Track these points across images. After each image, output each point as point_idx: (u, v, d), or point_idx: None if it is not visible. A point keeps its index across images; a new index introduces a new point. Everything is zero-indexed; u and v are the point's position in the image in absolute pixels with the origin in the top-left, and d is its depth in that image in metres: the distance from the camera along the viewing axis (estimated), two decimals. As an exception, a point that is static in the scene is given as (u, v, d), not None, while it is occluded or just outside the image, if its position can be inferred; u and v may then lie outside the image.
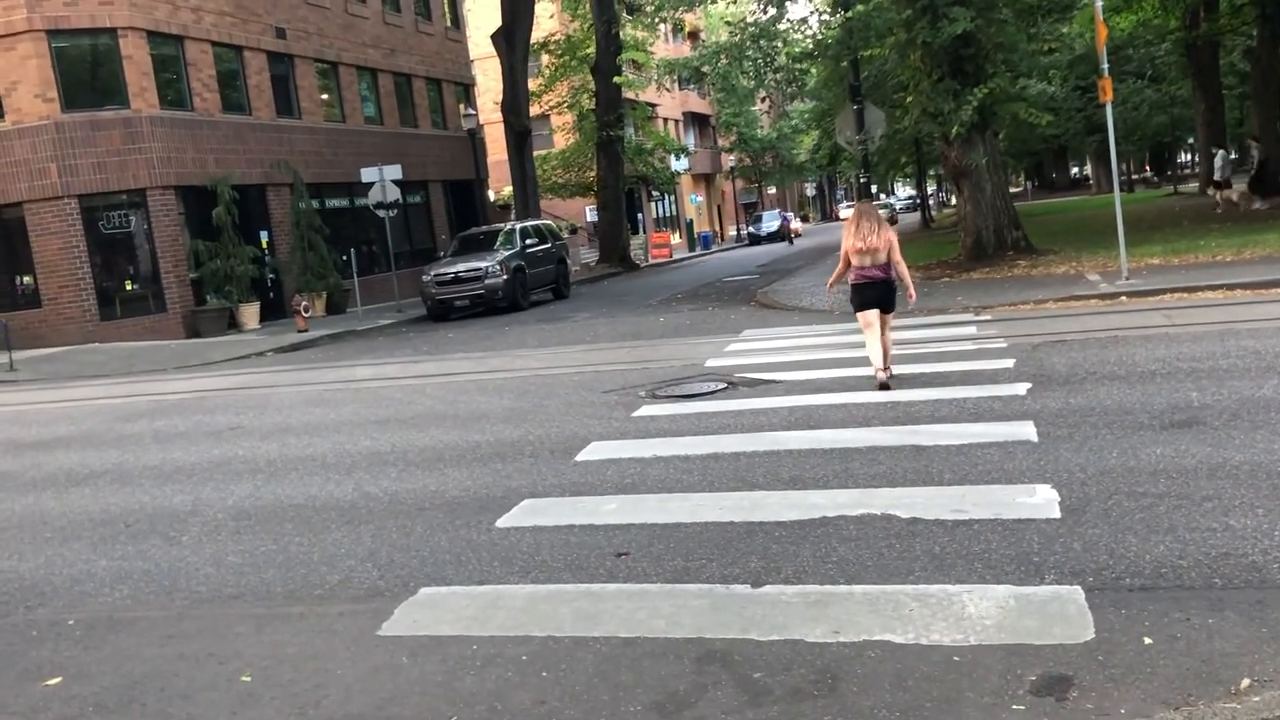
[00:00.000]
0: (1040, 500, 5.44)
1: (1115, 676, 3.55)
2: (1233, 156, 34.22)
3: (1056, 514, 5.20)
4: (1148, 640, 3.78)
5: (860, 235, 9.07)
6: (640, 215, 53.73)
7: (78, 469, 9.04)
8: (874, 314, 9.06)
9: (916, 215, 56.05)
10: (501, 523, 6.06)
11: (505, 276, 22.67)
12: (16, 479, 8.93)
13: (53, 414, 13.07)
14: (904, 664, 3.80)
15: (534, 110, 38.47)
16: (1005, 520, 5.19)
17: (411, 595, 5.02)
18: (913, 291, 9.43)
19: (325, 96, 28.88)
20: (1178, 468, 5.74)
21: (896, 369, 9.43)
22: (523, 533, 5.84)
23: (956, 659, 3.80)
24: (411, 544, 5.86)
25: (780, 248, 46.66)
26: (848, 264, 9.28)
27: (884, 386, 8.92)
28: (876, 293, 9.11)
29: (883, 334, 9.12)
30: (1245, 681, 3.43)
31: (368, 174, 24.70)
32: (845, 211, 71.46)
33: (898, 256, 9.16)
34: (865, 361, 9.38)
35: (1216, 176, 29.46)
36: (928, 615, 4.17)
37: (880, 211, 9.92)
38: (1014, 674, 3.64)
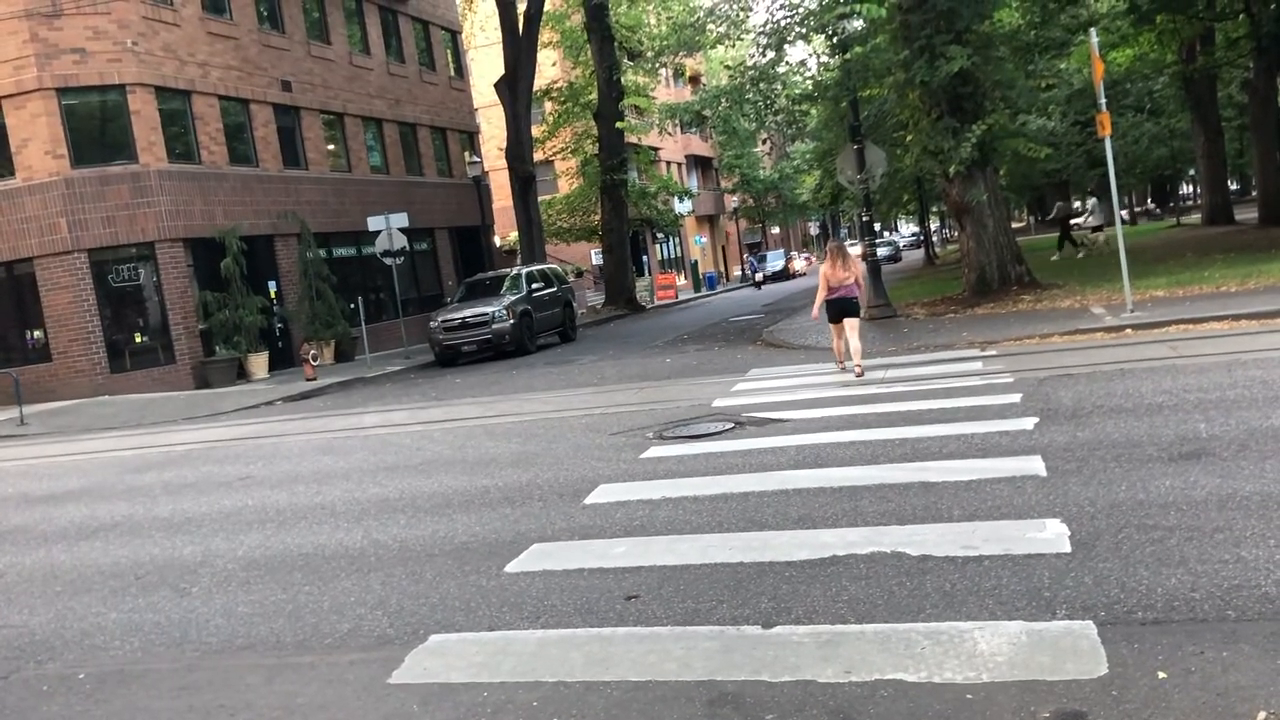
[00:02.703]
0: (1050, 535, 5.42)
1: (1130, 712, 3.53)
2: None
3: (1067, 548, 5.18)
4: (1162, 675, 3.76)
5: (838, 267, 12.80)
6: (645, 257, 53.99)
7: (88, 522, 9.06)
8: (843, 322, 12.68)
9: (920, 252, 56.12)
10: (511, 568, 6.05)
11: (512, 321, 22.77)
12: (27, 533, 8.94)
13: (63, 467, 13.10)
14: (917, 703, 3.77)
15: (538, 156, 38.83)
16: (1015, 556, 5.17)
17: (421, 643, 5.00)
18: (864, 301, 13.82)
19: (331, 147, 29.19)
20: (1187, 500, 5.72)
21: (905, 405, 9.79)
22: (532, 577, 5.84)
23: (969, 697, 3.77)
24: (421, 591, 5.85)
25: (778, 289, 46.27)
26: (827, 288, 12.81)
27: (859, 373, 12.17)
28: (846, 307, 12.71)
29: (849, 335, 12.56)
30: (1262, 715, 3.40)
31: (374, 222, 24.90)
32: (850, 250, 74.80)
33: (862, 281, 13.23)
34: (873, 399, 10.47)
35: (1093, 221, 31.18)
36: (940, 653, 4.15)
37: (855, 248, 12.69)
38: (1028, 711, 3.62)
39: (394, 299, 26.94)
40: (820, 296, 12.90)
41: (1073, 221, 34.07)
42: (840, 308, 12.72)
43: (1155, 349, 11.30)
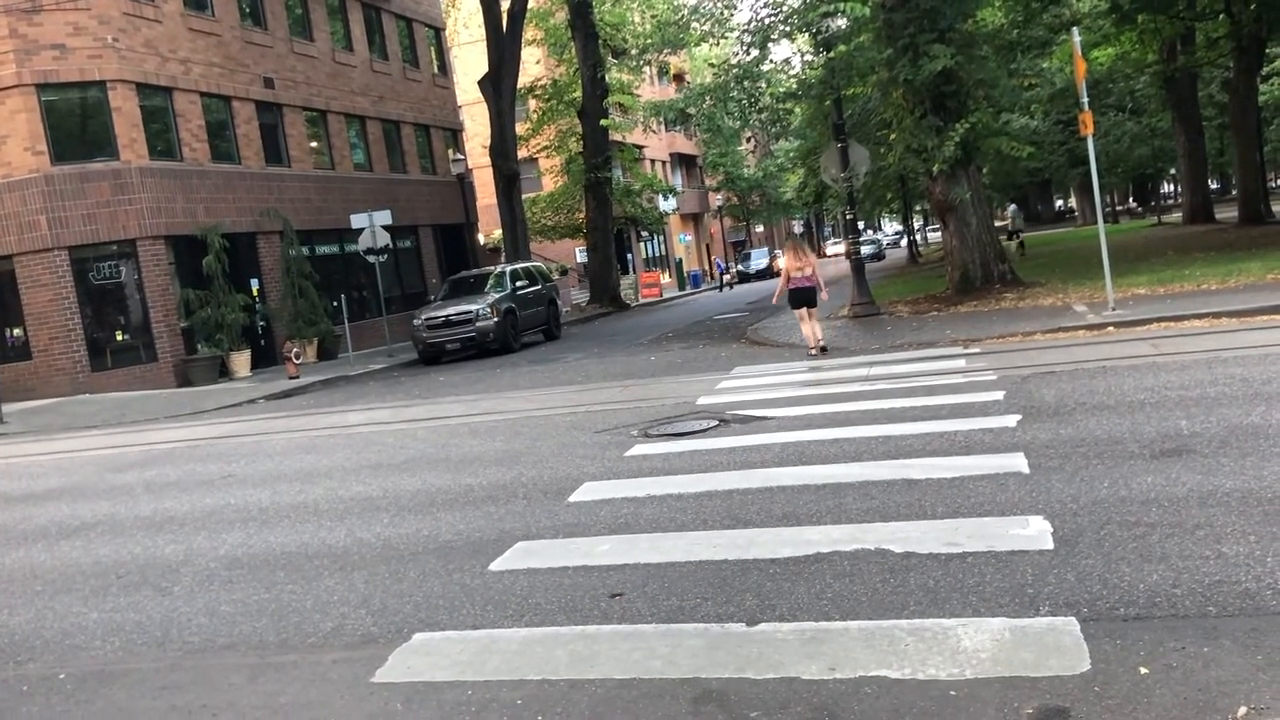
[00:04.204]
0: (1033, 532, 5.44)
1: (1112, 707, 3.54)
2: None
3: (1050, 545, 5.20)
4: (1144, 670, 3.78)
5: (796, 259, 14.81)
6: (630, 255, 53.97)
7: (69, 521, 8.99)
8: (804, 310, 14.58)
9: (903, 250, 56.20)
10: (495, 566, 6.04)
11: (496, 319, 22.72)
12: (7, 532, 8.86)
13: (43, 466, 13.00)
14: (900, 699, 3.78)
15: (522, 154, 38.77)
16: (999, 552, 5.19)
17: (405, 641, 4.99)
18: (825, 293, 15.03)
19: (314, 144, 29.05)
20: (1169, 496, 5.76)
21: (889, 402, 9.83)
22: (516, 575, 5.82)
23: (953, 693, 3.79)
24: (405, 589, 5.83)
25: (760, 287, 45.83)
26: (788, 278, 14.67)
27: (823, 350, 14.37)
28: (805, 295, 14.57)
29: (810, 322, 14.59)
30: (1242, 710, 3.43)
31: (357, 220, 24.80)
32: (831, 249, 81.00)
33: (818, 273, 14.89)
34: (856, 396, 10.54)
35: (1009, 227, 32.30)
36: (923, 649, 4.17)
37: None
38: (1011, 707, 3.63)
39: (377, 297, 26.85)
40: (782, 285, 14.90)
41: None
42: (802, 297, 14.61)
43: (1137, 346, 11.37)
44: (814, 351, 14.39)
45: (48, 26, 21.67)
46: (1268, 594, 4.30)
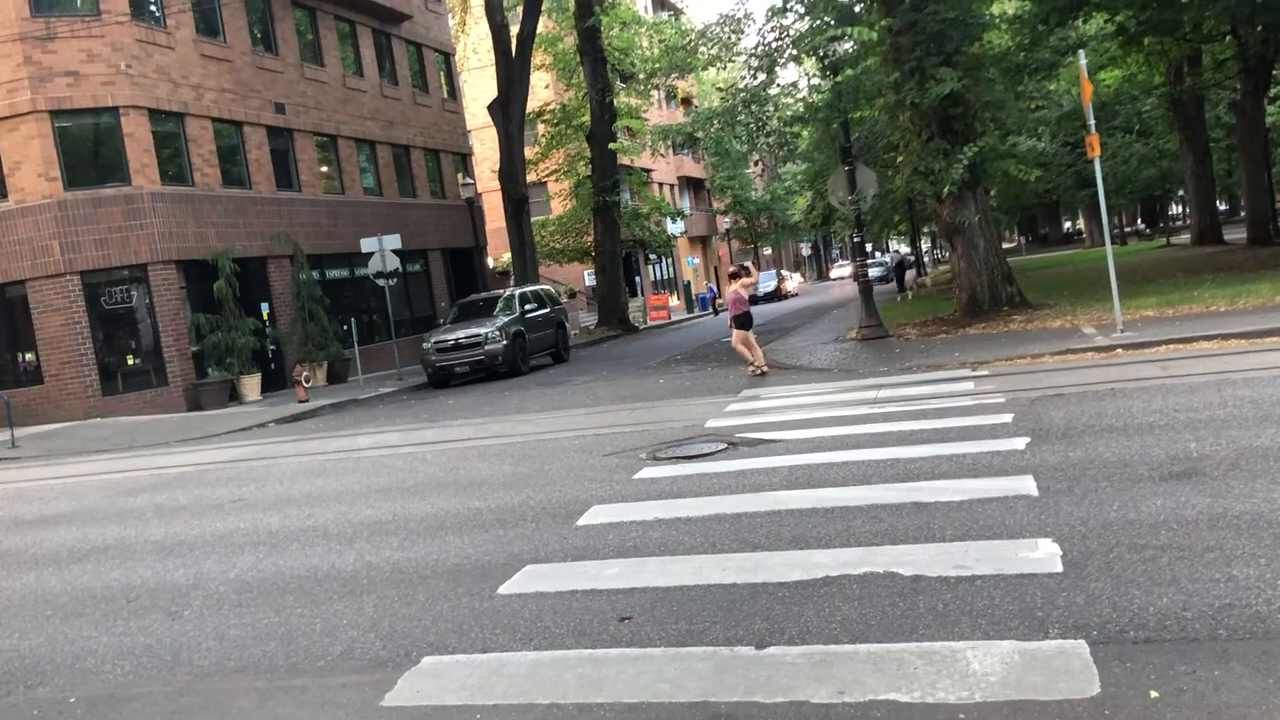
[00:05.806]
0: (1042, 554, 5.43)
1: (1122, 731, 3.54)
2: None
3: (1059, 568, 5.19)
4: (1154, 694, 3.77)
5: (751, 286, 17.25)
6: (638, 278, 54.09)
7: (79, 545, 9.02)
8: (751, 333, 16.42)
9: (911, 273, 56.18)
10: (504, 589, 6.04)
11: (505, 342, 22.79)
12: (18, 556, 8.90)
13: (54, 490, 13.05)
14: (910, 723, 3.78)
15: (531, 178, 38.96)
16: (1008, 575, 5.18)
17: (414, 665, 4.99)
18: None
19: (325, 169, 29.26)
20: (1178, 519, 5.74)
21: (898, 425, 9.87)
22: (525, 599, 5.83)
23: (962, 716, 3.78)
24: (414, 613, 5.83)
25: (768, 310, 46.06)
26: (748, 300, 16.60)
27: (762, 371, 15.97)
28: (751, 318, 16.60)
29: (755, 344, 16.43)
30: (1253, 733, 3.41)
31: (367, 244, 24.94)
32: (836, 271, 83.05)
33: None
34: (865, 419, 10.52)
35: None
36: (932, 673, 4.16)
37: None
38: (1020, 731, 3.62)
39: (387, 320, 26.97)
40: (740, 309, 16.35)
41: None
42: (751, 320, 16.53)
43: (1146, 368, 11.34)
44: (765, 370, 16.02)
45: (62, 54, 21.92)
46: (1278, 617, 4.29)
